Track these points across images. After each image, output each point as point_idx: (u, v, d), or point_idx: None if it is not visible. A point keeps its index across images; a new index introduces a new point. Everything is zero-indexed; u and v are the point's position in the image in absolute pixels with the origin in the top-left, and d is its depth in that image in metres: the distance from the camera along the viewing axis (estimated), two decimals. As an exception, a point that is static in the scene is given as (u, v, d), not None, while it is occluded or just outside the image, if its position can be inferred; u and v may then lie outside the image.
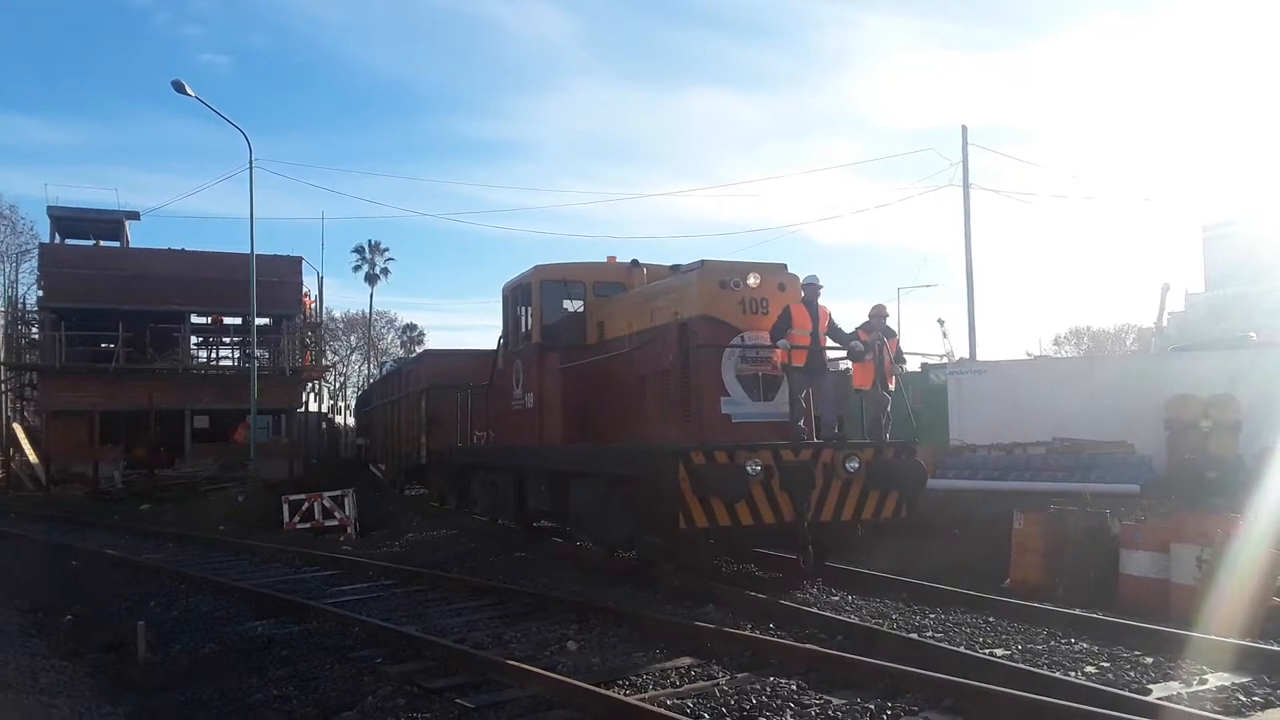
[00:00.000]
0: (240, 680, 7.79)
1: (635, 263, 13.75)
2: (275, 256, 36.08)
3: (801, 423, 10.86)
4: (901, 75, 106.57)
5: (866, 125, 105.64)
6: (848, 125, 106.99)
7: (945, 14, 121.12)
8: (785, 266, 11.51)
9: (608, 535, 11.77)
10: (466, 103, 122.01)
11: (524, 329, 14.45)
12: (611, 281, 13.72)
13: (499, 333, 15.93)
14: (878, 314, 12.21)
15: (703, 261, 11.39)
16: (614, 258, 14.30)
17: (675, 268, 12.72)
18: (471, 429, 18.03)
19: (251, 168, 28.54)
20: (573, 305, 14.05)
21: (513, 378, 14.81)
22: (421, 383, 24.15)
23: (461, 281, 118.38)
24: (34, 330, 37.31)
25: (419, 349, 55.38)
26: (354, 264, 70.34)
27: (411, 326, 73.27)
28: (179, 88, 27.69)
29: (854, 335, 11.77)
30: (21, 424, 37.76)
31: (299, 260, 38.14)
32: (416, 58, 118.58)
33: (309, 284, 39.94)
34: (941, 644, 7.65)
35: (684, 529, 9.86)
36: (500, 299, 15.41)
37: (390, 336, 71.83)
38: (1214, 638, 7.67)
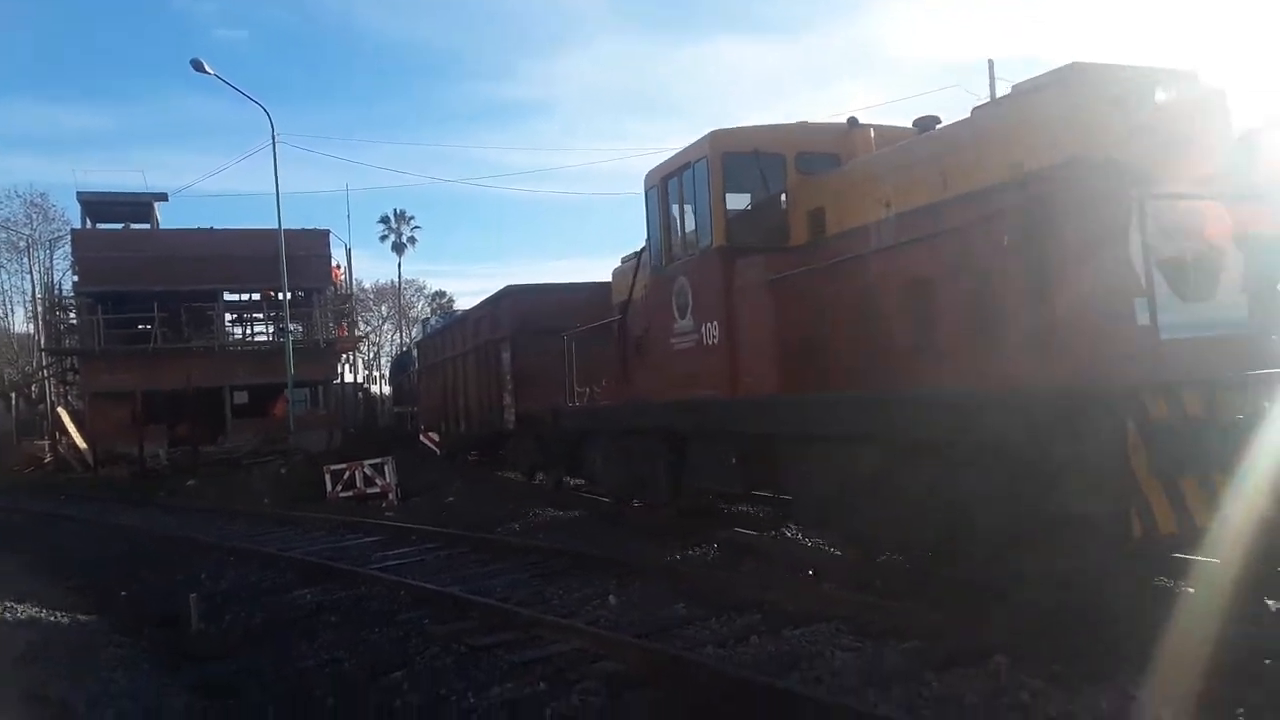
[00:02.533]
0: (292, 647, 7.94)
1: (855, 122, 10.15)
2: (303, 230, 36.35)
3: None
4: (923, 10, 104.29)
5: (890, 65, 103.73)
6: (870, 66, 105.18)
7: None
8: (1197, 74, 7.10)
9: (892, 536, 7.94)
10: (485, 65, 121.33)
11: (690, 229, 10.74)
12: (821, 152, 9.91)
13: (630, 249, 12.86)
14: None
15: (1069, 66, 6.89)
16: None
17: (924, 121, 9.06)
18: (574, 384, 14.22)
19: (275, 143, 28.76)
20: (761, 189, 10.16)
21: (672, 304, 10.87)
22: (502, 328, 19.62)
23: (488, 246, 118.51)
24: (72, 315, 37.95)
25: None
26: (381, 234, 70.71)
27: (441, 293, 73.65)
28: (198, 66, 27.84)
29: None
30: (66, 408, 38.50)
31: (326, 233, 38.50)
32: (433, 22, 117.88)
33: (337, 256, 40.36)
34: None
35: (1138, 537, 5.79)
36: (643, 196, 11.61)
37: (421, 304, 72.27)
38: None
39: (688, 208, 10.74)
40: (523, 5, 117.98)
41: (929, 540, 7.46)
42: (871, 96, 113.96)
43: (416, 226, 71.73)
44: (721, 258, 9.86)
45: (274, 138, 28.72)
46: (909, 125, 9.49)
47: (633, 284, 12.32)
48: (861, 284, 8.39)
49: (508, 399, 19.06)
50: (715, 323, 10.07)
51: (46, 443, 37.23)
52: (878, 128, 10.03)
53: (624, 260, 13.48)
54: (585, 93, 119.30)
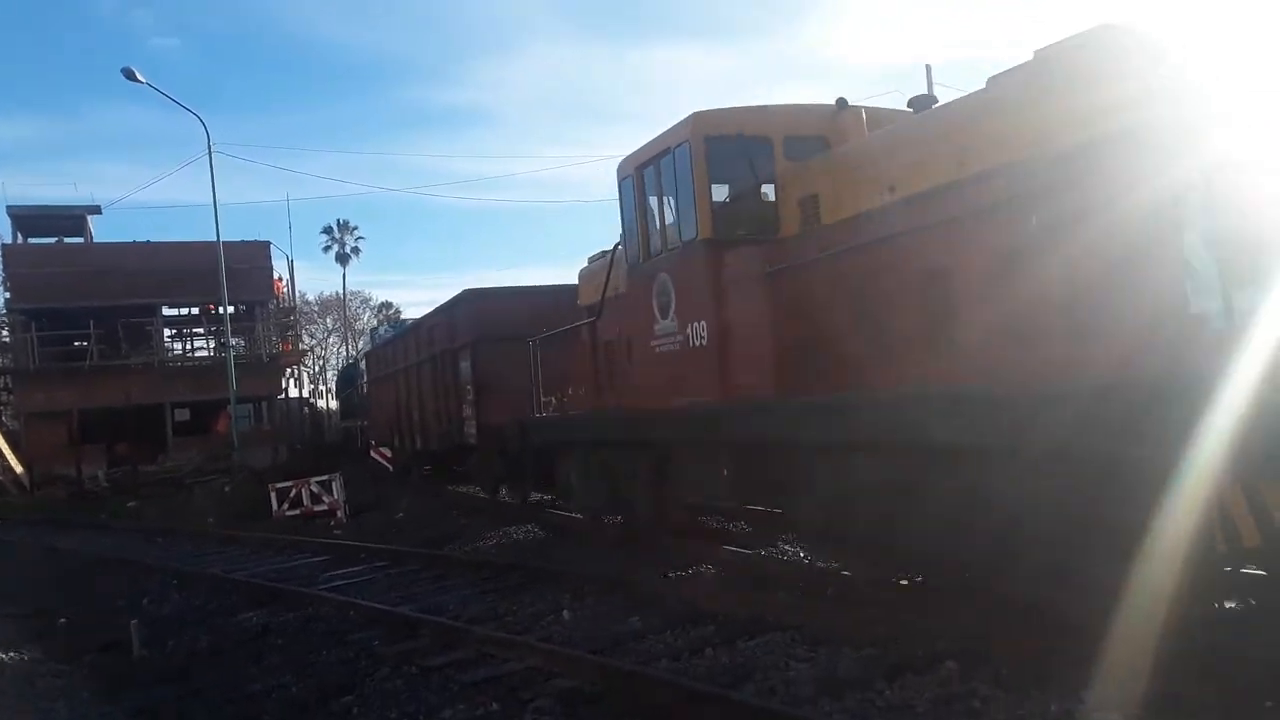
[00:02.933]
0: (238, 670, 7.80)
1: (844, 103, 9.36)
2: (243, 242, 35.76)
3: None
4: (865, 15, 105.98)
5: (832, 69, 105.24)
6: (813, 70, 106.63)
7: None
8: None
9: (921, 552, 7.02)
10: (427, 71, 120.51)
11: (670, 221, 9.88)
12: (810, 135, 9.15)
13: (599, 247, 12.07)
14: None
15: (1101, 27, 6.15)
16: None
17: (920, 100, 8.52)
18: (540, 393, 13.58)
19: (211, 153, 28.24)
20: (746, 176, 9.46)
21: (652, 303, 10.04)
22: (461, 336, 18.46)
23: (436, 256, 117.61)
24: (4, 333, 36.92)
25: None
26: (324, 244, 69.63)
27: (388, 304, 72.83)
28: (129, 75, 27.28)
29: None
30: (0, 429, 37.38)
31: (267, 244, 37.96)
32: (375, 27, 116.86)
33: (279, 268, 39.70)
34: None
35: (1221, 552, 5.51)
36: (616, 188, 10.79)
37: (366, 316, 71.41)
38: None
39: (667, 198, 9.88)
40: (465, 10, 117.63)
41: (964, 556, 6.58)
42: (814, 96, 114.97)
43: (360, 237, 70.88)
44: (708, 251, 9.05)
45: (210, 147, 28.23)
46: (901, 107, 9.02)
47: (605, 284, 11.40)
48: (867, 275, 7.60)
49: (468, 411, 17.84)
50: (702, 322, 9.24)
51: (-22, 465, 36.11)
52: (869, 109, 9.33)
53: (591, 260, 12.69)
54: (531, 99, 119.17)
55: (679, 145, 9.42)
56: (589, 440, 11.81)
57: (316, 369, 65.37)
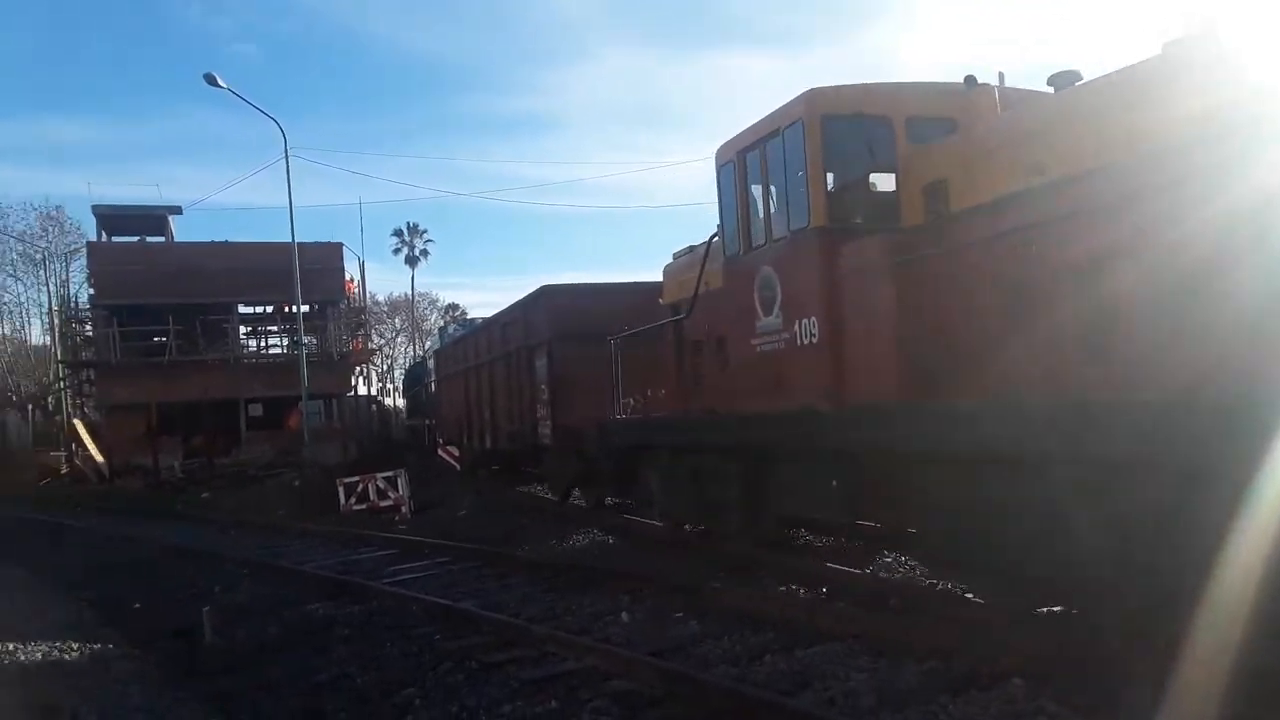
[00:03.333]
0: (305, 661, 7.95)
1: (973, 81, 8.51)
2: (316, 244, 36.55)
3: None
4: (931, 22, 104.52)
5: (896, 74, 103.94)
6: (876, 76, 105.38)
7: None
8: None
9: (1079, 580, 6.18)
10: (496, 79, 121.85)
11: (777, 210, 9.24)
12: (935, 116, 8.40)
13: (666, 253, 11.70)
14: None
15: None
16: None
17: (1061, 77, 7.39)
18: (621, 394, 13.00)
19: (288, 156, 28.91)
20: (861, 159, 8.69)
21: (753, 299, 9.34)
22: (538, 333, 17.55)
23: (499, 259, 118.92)
24: (88, 328, 38.24)
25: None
26: (394, 247, 71.03)
27: (454, 306, 73.86)
28: (211, 80, 28.07)
29: None
30: (82, 419, 38.73)
31: (340, 246, 38.74)
32: (444, 36, 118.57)
33: (351, 269, 40.48)
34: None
35: None
36: (714, 175, 10.15)
37: (434, 317, 72.49)
38: None
39: (774, 184, 9.25)
40: (531, 18, 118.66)
41: (1138, 586, 5.72)
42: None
43: (429, 240, 72.12)
44: (821, 241, 8.29)
45: (286, 151, 28.94)
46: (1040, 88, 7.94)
47: (699, 279, 10.71)
48: (1012, 267, 6.70)
49: (542, 411, 17.10)
50: (812, 318, 8.43)
51: (63, 454, 37.44)
52: (1001, 88, 8.54)
53: (677, 255, 12.24)
54: (597, 106, 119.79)
55: (790, 125, 8.64)
56: (675, 444, 11.25)
57: (385, 368, 66.55)
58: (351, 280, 40.68)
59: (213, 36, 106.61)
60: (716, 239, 10.51)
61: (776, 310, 9.06)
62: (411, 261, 71.07)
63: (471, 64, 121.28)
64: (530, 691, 6.43)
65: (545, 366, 16.98)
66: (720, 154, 10.09)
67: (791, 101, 8.72)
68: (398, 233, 70.41)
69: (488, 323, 21.90)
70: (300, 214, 61.47)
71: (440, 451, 26.95)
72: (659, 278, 13.23)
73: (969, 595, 7.66)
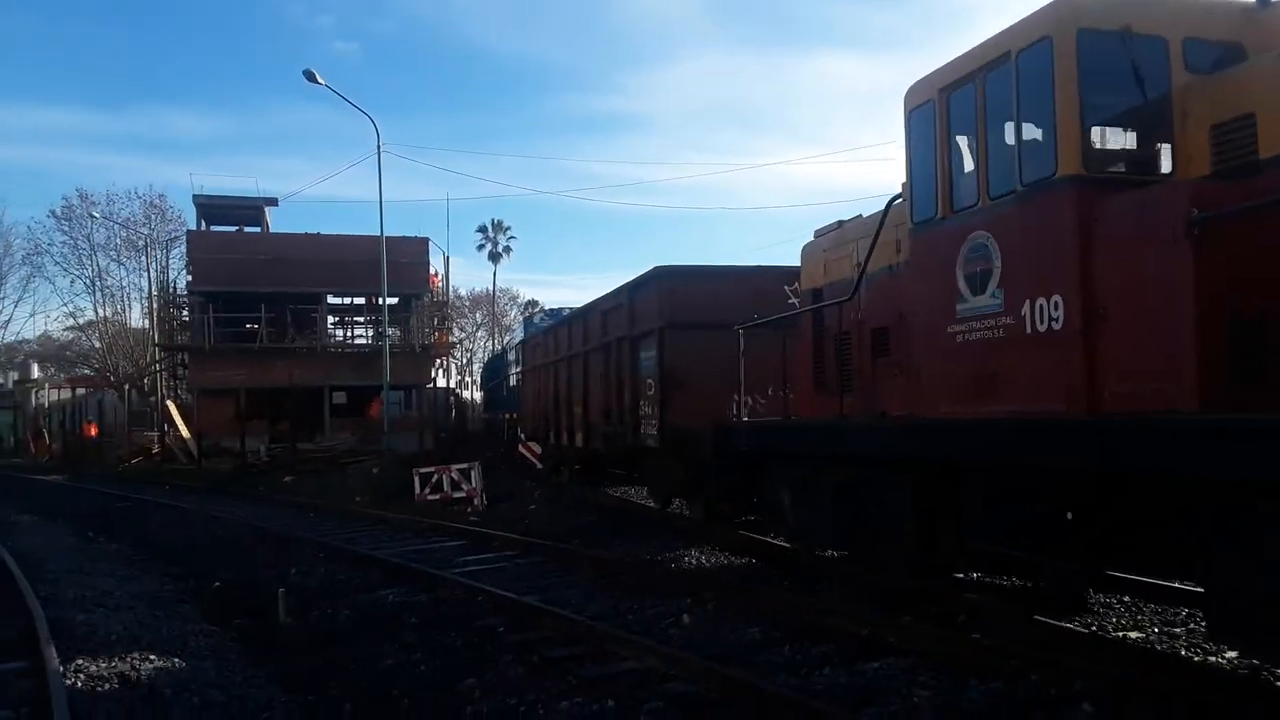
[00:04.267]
0: (373, 646, 8.14)
1: (1266, 2, 6.93)
2: (404, 238, 37.30)
3: None
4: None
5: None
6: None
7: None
8: None
9: None
10: (586, 78, 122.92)
11: (1000, 158, 7.24)
12: (1218, 40, 6.78)
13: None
14: None
15: None
16: None
17: None
18: (743, 392, 11.39)
19: (380, 153, 29.51)
20: (1128, 90, 6.64)
21: (955, 273, 7.47)
22: (646, 321, 15.29)
23: (580, 258, 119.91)
24: (184, 313, 39.64)
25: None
26: (478, 243, 72.09)
27: (533, 302, 74.63)
28: (310, 77, 28.84)
29: None
30: (175, 401, 40.17)
31: (426, 241, 39.44)
32: (536, 36, 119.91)
33: (436, 263, 41.19)
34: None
35: None
36: (902, 122, 8.30)
37: (514, 313, 73.36)
38: None
39: (996, 127, 7.34)
40: (623, 20, 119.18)
41: None
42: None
43: (512, 236, 73.04)
44: (1078, 194, 6.46)
45: (379, 147, 29.54)
46: None
47: (868, 253, 8.94)
48: None
49: (647, 409, 15.16)
50: (1055, 297, 6.57)
51: (155, 434, 38.88)
52: None
53: (819, 233, 10.71)
54: (683, 107, 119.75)
55: (1032, 45, 6.84)
56: (820, 453, 9.39)
57: (464, 361, 67.58)
58: (436, 274, 41.44)
59: (315, 33, 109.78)
60: (899, 202, 8.66)
61: (992, 288, 7.17)
62: (494, 258, 72.16)
63: (559, 64, 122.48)
64: (589, 688, 6.48)
65: (654, 359, 14.89)
66: (913, 94, 8.15)
67: (1035, 14, 6.89)
68: (482, 229, 71.59)
69: (584, 310, 19.63)
70: (389, 209, 62.83)
71: (521, 448, 25.64)
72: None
73: (1039, 617, 7.46)
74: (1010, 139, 7.21)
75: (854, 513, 8.91)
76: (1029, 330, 6.84)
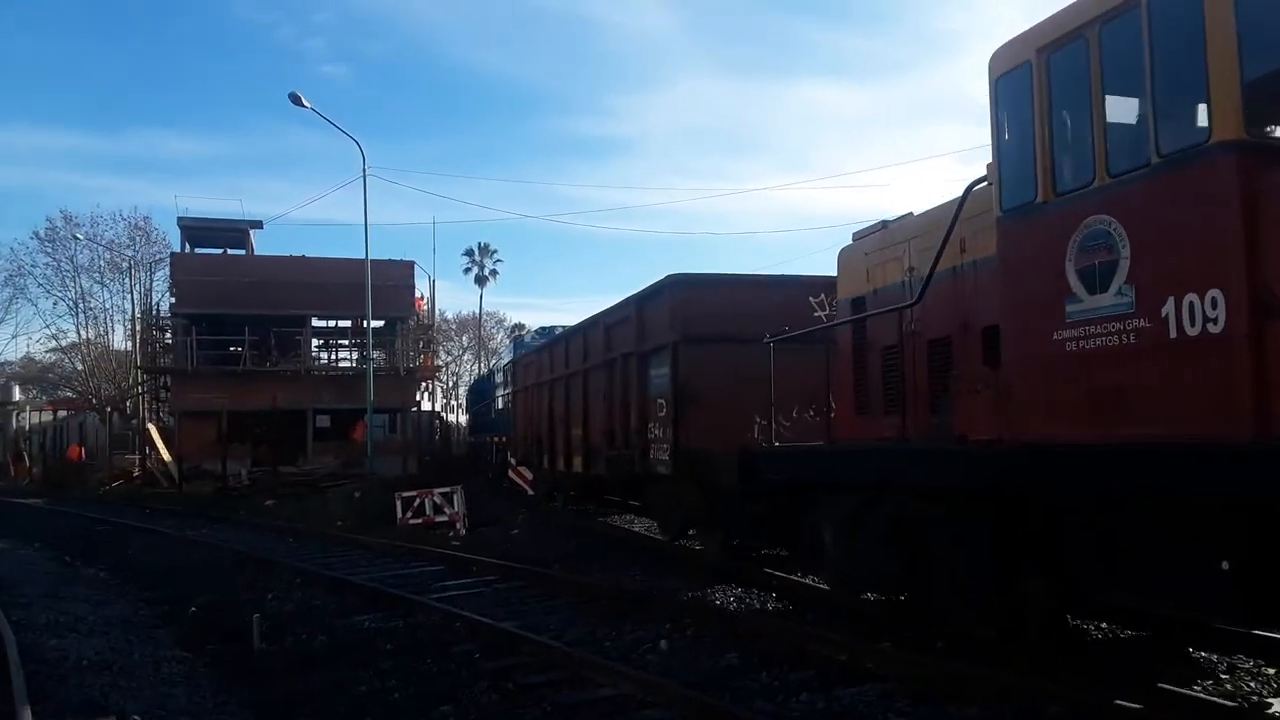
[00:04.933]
0: (348, 672, 8.05)
1: None
2: (389, 261, 37.24)
3: None
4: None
5: (979, 110, 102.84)
6: (961, 110, 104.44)
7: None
8: None
9: None
10: (573, 102, 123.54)
11: (1110, 130, 6.13)
12: None
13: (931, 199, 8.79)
14: None
15: None
16: None
17: None
18: (775, 413, 10.37)
19: (365, 176, 29.55)
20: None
21: (1065, 269, 6.27)
22: (657, 334, 13.88)
23: (566, 281, 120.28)
24: (167, 335, 39.46)
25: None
26: (464, 266, 72.11)
27: (519, 325, 74.65)
28: (295, 100, 28.88)
29: None
30: (156, 424, 39.89)
31: (411, 264, 39.41)
32: (523, 60, 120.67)
33: (421, 287, 41.14)
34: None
35: None
36: (989, 91, 7.07)
37: (500, 336, 73.35)
38: None
39: (1120, 88, 6.16)
40: (611, 45, 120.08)
41: None
42: (964, 139, 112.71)
43: (499, 260, 73.09)
44: (1241, 163, 5.30)
45: (364, 171, 29.57)
46: None
47: (939, 249, 7.69)
48: None
49: (658, 431, 13.69)
50: (1212, 292, 5.33)
51: (136, 457, 38.57)
52: None
53: (858, 236, 9.76)
54: (670, 132, 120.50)
55: None
56: (875, 483, 8.18)
57: (450, 384, 67.43)
58: (421, 298, 41.38)
59: (304, 57, 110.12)
60: (981, 187, 7.57)
61: (1118, 284, 5.92)
62: (481, 281, 72.16)
63: (550, 89, 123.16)
64: (564, 715, 6.43)
65: (666, 376, 13.43)
66: (1001, 59, 6.98)
67: None
68: (469, 252, 71.61)
69: (584, 325, 17.97)
70: (375, 231, 62.84)
71: (511, 473, 24.54)
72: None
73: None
74: (1138, 103, 6.04)
75: (917, 553, 7.71)
76: (1173, 334, 5.56)
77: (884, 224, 9.36)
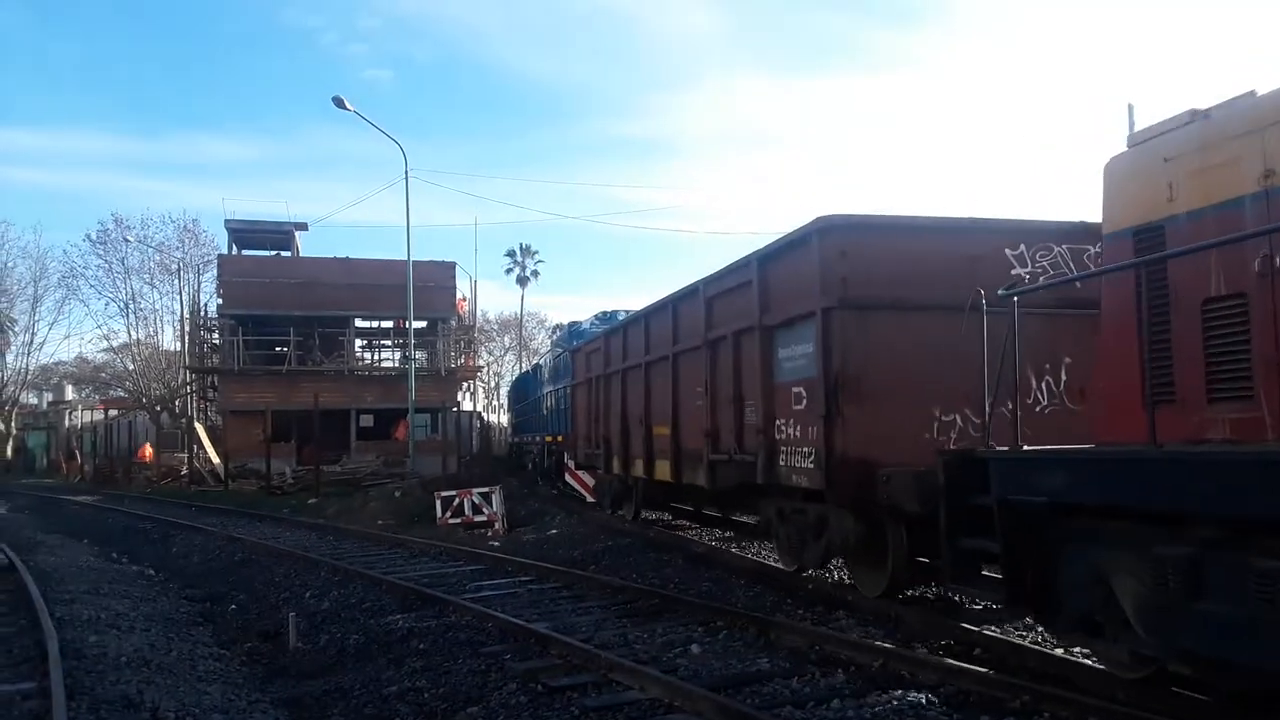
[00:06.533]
0: (380, 671, 8.10)
1: None
2: (431, 262, 37.52)
3: None
4: (1054, 50, 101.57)
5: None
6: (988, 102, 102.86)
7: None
8: None
9: None
10: (611, 103, 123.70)
11: None
12: None
13: None
14: None
15: None
16: None
17: None
18: (991, 403, 6.94)
19: (407, 179, 29.81)
20: None
21: None
22: (803, 299, 9.58)
23: (609, 281, 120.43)
24: (214, 336, 40.12)
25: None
26: (506, 267, 72.45)
27: (560, 325, 74.87)
28: (339, 103, 29.20)
29: None
30: (204, 423, 40.54)
31: (453, 265, 39.72)
32: (562, 61, 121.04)
33: (463, 287, 41.44)
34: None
35: None
36: None
37: (541, 336, 73.63)
38: None
39: None
40: (648, 45, 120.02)
41: None
42: (996, 134, 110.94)
43: (540, 260, 73.35)
44: None
45: (406, 173, 29.83)
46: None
47: None
48: None
49: (793, 430, 9.90)
50: None
51: (184, 456, 39.25)
52: None
53: (1136, 142, 6.37)
54: (707, 130, 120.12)
55: None
56: (1244, 517, 4.82)
57: (492, 384, 67.81)
58: (463, 298, 41.66)
59: (349, 62, 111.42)
60: None
61: None
62: (522, 282, 72.43)
63: (588, 89, 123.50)
64: (591, 718, 6.38)
65: (810, 356, 9.48)
66: None
67: None
68: (510, 253, 71.94)
69: (672, 298, 13.94)
70: (417, 233, 63.32)
71: (568, 475, 22.25)
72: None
73: (1059, 651, 7.26)
74: None
75: None
76: None
77: (1200, 113, 5.96)
